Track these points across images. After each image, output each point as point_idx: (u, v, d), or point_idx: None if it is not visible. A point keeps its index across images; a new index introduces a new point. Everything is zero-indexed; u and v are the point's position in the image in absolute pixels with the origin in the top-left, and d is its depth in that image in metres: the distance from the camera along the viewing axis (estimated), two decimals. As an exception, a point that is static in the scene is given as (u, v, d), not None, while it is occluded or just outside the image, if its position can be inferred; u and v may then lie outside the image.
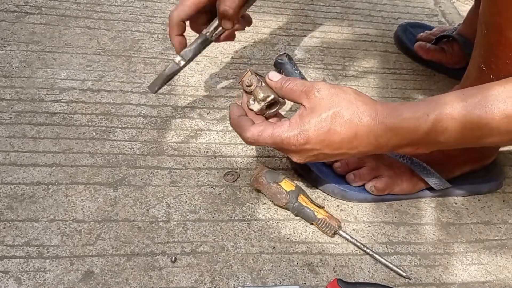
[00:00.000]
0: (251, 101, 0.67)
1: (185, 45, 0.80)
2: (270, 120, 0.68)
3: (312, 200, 0.73)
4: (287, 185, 0.72)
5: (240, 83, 0.68)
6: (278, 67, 0.97)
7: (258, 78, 0.67)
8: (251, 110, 0.67)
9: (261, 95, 0.65)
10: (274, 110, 0.67)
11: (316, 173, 0.77)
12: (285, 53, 0.99)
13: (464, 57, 0.99)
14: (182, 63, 0.79)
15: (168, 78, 0.80)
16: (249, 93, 0.67)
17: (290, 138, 0.61)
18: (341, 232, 0.71)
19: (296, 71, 0.96)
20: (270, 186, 0.72)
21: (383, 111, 0.59)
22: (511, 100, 0.55)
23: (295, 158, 0.64)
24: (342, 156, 0.63)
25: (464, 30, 1.01)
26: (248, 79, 0.67)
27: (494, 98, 0.56)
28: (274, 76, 0.66)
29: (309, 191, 0.77)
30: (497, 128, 0.56)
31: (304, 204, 0.71)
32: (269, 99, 0.65)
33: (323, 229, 0.71)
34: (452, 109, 0.57)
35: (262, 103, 0.66)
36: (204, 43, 0.80)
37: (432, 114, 0.58)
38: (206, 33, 0.80)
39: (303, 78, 0.95)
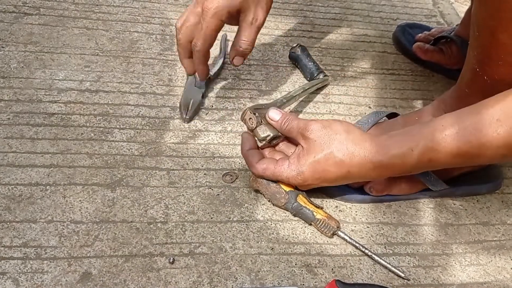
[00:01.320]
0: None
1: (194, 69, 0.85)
2: (277, 148, 0.75)
3: (311, 200, 0.72)
4: (286, 185, 0.72)
5: (243, 121, 0.74)
6: (293, 59, 1.02)
7: (257, 115, 0.73)
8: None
9: (260, 136, 0.72)
10: (277, 141, 0.75)
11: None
12: (298, 44, 1.02)
13: (462, 58, 0.98)
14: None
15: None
16: (251, 130, 0.74)
17: (289, 179, 0.69)
18: (339, 232, 0.71)
19: (310, 63, 0.99)
20: (269, 186, 0.72)
21: (372, 150, 0.65)
22: (476, 133, 0.58)
23: (299, 187, 0.72)
24: (338, 184, 0.71)
25: (462, 31, 1.01)
26: (248, 119, 0.73)
27: (472, 127, 0.59)
28: (274, 116, 0.72)
29: (307, 192, 0.77)
30: (477, 156, 0.60)
31: (303, 204, 0.71)
32: (268, 138, 0.72)
33: (322, 229, 0.71)
34: (433, 143, 0.61)
35: (263, 142, 0.73)
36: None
37: (416, 149, 0.62)
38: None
39: (318, 68, 0.99)
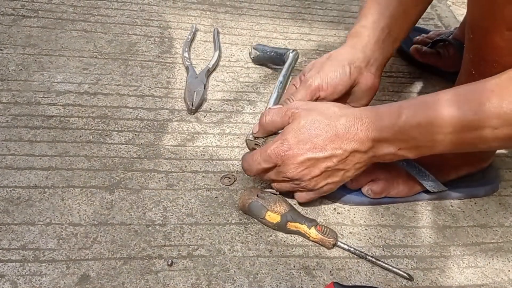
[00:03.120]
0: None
1: None
2: None
3: (302, 219, 0.70)
4: (272, 217, 0.70)
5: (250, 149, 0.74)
6: (259, 62, 1.02)
7: (262, 140, 0.72)
8: None
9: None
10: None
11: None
12: (251, 47, 1.02)
13: (459, 61, 0.98)
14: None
15: None
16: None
17: (274, 149, 0.66)
18: (339, 244, 0.70)
19: (272, 52, 0.99)
20: (256, 218, 0.72)
21: (360, 110, 0.64)
22: (468, 103, 0.57)
23: (289, 171, 0.67)
24: (332, 161, 0.65)
25: (460, 34, 1.02)
26: (255, 145, 0.72)
27: (456, 97, 0.58)
28: (254, 129, 0.72)
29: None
30: (475, 127, 0.57)
31: (294, 229, 0.70)
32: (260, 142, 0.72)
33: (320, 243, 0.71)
34: (424, 105, 0.60)
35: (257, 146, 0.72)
36: None
37: (405, 109, 0.61)
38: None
39: (281, 50, 0.98)
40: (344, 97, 0.79)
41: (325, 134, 0.64)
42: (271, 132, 0.71)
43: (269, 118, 0.69)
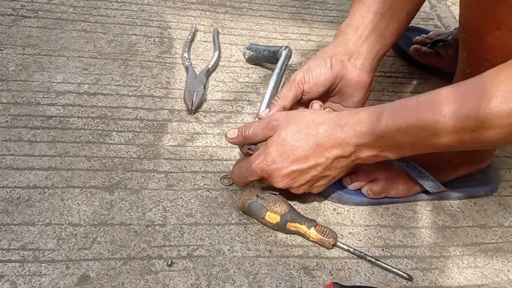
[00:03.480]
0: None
1: None
2: None
3: (302, 219, 0.70)
4: (272, 217, 0.70)
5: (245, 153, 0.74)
6: (253, 61, 1.02)
7: (249, 147, 0.72)
8: None
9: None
10: None
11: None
12: (244, 48, 1.01)
13: (459, 61, 0.99)
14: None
15: None
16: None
17: (258, 164, 0.66)
18: (339, 244, 0.70)
19: (265, 51, 0.98)
20: (256, 219, 0.72)
21: (339, 116, 0.64)
22: (449, 103, 0.55)
23: (276, 183, 0.68)
24: (316, 170, 0.66)
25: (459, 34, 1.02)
26: (244, 151, 0.73)
27: (439, 98, 0.57)
28: (231, 134, 0.71)
29: (304, 194, 0.77)
30: (445, 129, 0.56)
31: (294, 229, 0.71)
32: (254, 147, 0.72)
33: (320, 244, 0.71)
34: (404, 109, 0.59)
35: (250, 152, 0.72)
36: None
37: (385, 114, 0.60)
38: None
39: (274, 48, 0.97)
40: (333, 95, 0.79)
41: (306, 145, 0.64)
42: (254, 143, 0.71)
43: (251, 131, 0.69)
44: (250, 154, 0.71)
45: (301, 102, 0.77)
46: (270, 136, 0.67)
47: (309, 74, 0.74)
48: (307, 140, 0.64)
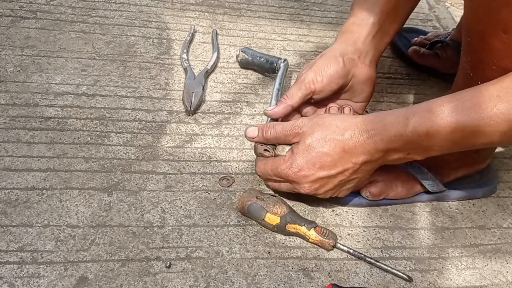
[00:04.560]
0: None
1: None
2: None
3: (302, 221, 0.70)
4: (271, 219, 0.70)
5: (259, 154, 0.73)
6: (244, 65, 1.01)
7: (270, 146, 0.72)
8: None
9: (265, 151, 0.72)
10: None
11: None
12: (239, 50, 1.00)
13: (457, 62, 0.98)
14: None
15: None
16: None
17: (285, 170, 0.67)
18: (339, 245, 0.70)
19: (262, 58, 0.97)
20: (255, 220, 0.72)
21: (364, 121, 0.63)
22: (475, 108, 0.57)
23: (302, 190, 0.68)
24: (344, 174, 0.66)
25: (458, 35, 1.02)
26: (264, 151, 0.72)
27: (471, 102, 0.57)
28: (251, 133, 0.71)
29: (304, 196, 0.77)
30: (477, 132, 0.58)
31: (294, 231, 0.70)
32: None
33: (319, 245, 0.71)
34: (431, 113, 0.59)
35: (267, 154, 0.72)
36: None
37: (412, 118, 0.60)
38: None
39: (273, 59, 0.96)
40: (343, 93, 0.80)
41: (333, 151, 0.64)
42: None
43: (274, 134, 0.70)
44: (264, 155, 0.71)
45: (310, 101, 0.78)
46: (294, 143, 0.68)
47: (322, 74, 0.75)
48: (334, 146, 0.64)
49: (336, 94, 0.80)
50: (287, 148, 0.70)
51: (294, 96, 0.75)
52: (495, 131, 0.57)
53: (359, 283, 0.67)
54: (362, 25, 0.78)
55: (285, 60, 0.95)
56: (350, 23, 0.79)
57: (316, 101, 0.79)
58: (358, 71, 0.78)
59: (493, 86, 0.57)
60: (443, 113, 0.58)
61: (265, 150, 0.71)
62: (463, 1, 0.69)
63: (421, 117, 0.60)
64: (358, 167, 0.65)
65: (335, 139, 0.64)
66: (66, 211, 0.70)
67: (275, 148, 0.72)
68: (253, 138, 0.72)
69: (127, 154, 0.79)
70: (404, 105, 1.00)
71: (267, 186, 0.75)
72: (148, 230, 0.69)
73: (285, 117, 0.77)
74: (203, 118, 0.88)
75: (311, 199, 0.77)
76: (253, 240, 0.70)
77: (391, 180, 0.76)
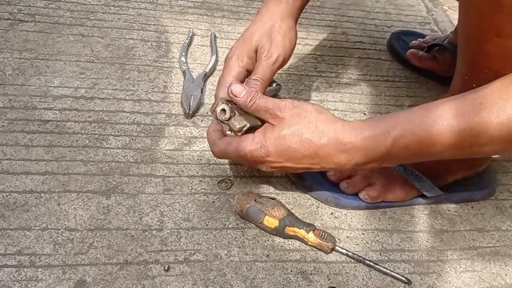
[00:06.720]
0: (227, 132, 0.70)
1: None
2: None
3: (301, 223, 0.70)
4: (270, 222, 0.70)
5: (213, 113, 0.67)
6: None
7: (231, 106, 0.66)
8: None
9: (236, 127, 0.66)
10: (253, 131, 0.67)
11: (310, 181, 0.77)
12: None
13: (455, 65, 0.99)
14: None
15: None
16: (223, 122, 0.67)
17: (252, 152, 0.64)
18: (337, 248, 0.70)
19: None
20: (254, 223, 0.72)
21: (343, 131, 0.61)
22: (458, 118, 0.55)
23: (263, 168, 0.67)
24: (307, 169, 0.65)
25: (455, 38, 1.02)
26: (220, 111, 0.66)
27: (446, 114, 0.56)
28: (237, 91, 0.66)
29: (302, 199, 0.77)
30: (449, 144, 0.57)
31: (292, 234, 0.70)
32: (245, 128, 0.66)
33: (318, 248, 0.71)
34: (412, 124, 0.58)
35: (239, 133, 0.66)
36: None
37: (392, 132, 0.59)
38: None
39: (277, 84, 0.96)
40: None
41: (306, 151, 0.62)
42: (255, 123, 0.67)
43: (254, 106, 0.65)
44: (220, 119, 0.67)
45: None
46: (268, 121, 0.65)
47: (285, 50, 0.78)
48: (307, 147, 0.62)
49: None
50: (240, 122, 0.66)
51: (266, 78, 0.76)
52: (481, 144, 0.56)
53: (358, 286, 0.67)
54: None
55: (277, 84, 0.96)
56: None
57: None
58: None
59: (476, 93, 0.56)
60: (425, 125, 0.57)
61: (222, 110, 0.66)
62: (460, 5, 0.69)
63: (402, 130, 0.58)
64: (322, 169, 0.65)
65: (310, 141, 0.62)
66: (64, 214, 0.70)
67: (234, 113, 0.66)
68: (236, 97, 0.66)
69: (125, 157, 0.79)
70: (402, 108, 1.00)
71: (216, 156, 0.72)
72: (146, 233, 0.69)
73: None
74: (201, 121, 0.88)
75: (310, 202, 0.77)
76: (251, 243, 0.70)
77: (389, 183, 0.76)
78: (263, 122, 0.67)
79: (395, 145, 0.59)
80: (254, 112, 0.66)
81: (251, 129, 0.66)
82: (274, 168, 0.66)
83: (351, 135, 0.60)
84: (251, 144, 0.64)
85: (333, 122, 0.62)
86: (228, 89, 0.66)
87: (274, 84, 0.95)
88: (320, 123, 0.62)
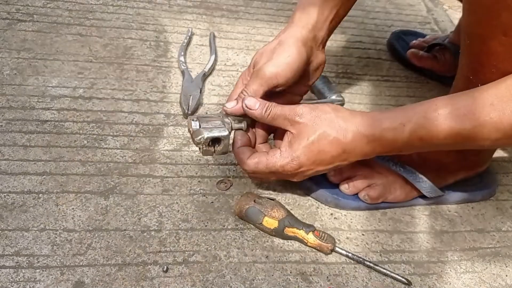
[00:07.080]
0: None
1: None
2: (263, 148, 0.72)
3: (300, 224, 0.70)
4: (269, 222, 0.70)
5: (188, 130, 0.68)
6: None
7: (196, 118, 0.67)
8: None
9: (195, 140, 0.66)
10: (221, 146, 0.68)
11: (310, 182, 0.77)
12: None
13: (455, 65, 0.98)
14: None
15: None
16: (191, 136, 0.67)
17: (284, 166, 0.65)
18: (337, 249, 0.70)
19: (329, 91, 0.95)
20: (253, 224, 0.71)
21: (363, 124, 0.63)
22: (469, 116, 0.58)
23: (295, 179, 0.69)
24: (336, 167, 0.67)
25: (456, 38, 1.02)
26: (188, 123, 0.67)
27: (465, 109, 0.58)
28: (252, 105, 0.67)
29: (302, 199, 0.77)
30: (470, 138, 0.59)
31: (292, 234, 0.70)
32: (203, 141, 0.66)
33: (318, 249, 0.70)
34: (425, 119, 0.60)
35: (200, 145, 0.67)
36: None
37: (408, 125, 0.61)
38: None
39: (330, 88, 0.95)
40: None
41: (334, 151, 0.64)
42: (219, 134, 0.67)
43: (271, 116, 0.66)
44: (207, 151, 0.67)
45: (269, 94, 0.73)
46: (288, 130, 0.65)
47: (285, 68, 0.70)
48: (336, 147, 0.64)
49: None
50: (198, 134, 0.66)
51: (257, 93, 0.69)
52: (486, 139, 0.58)
53: (358, 287, 0.67)
54: (321, 7, 0.74)
55: (339, 96, 0.95)
56: (309, 2, 0.75)
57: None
58: (314, 57, 0.75)
59: (488, 93, 0.58)
60: (438, 120, 0.59)
61: (189, 122, 0.67)
62: (461, 4, 0.69)
63: (416, 124, 0.61)
64: (348, 163, 0.67)
65: (338, 140, 0.63)
66: (63, 215, 0.69)
67: (199, 125, 0.67)
68: (251, 109, 0.66)
69: (124, 157, 0.79)
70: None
71: (250, 177, 0.73)
72: (145, 234, 0.69)
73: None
74: (200, 121, 0.88)
75: (310, 203, 0.77)
76: (251, 244, 0.70)
77: (389, 183, 0.76)
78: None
79: (411, 137, 0.61)
80: (271, 122, 0.67)
81: (217, 141, 0.67)
82: (307, 176, 0.68)
83: (371, 127, 0.63)
84: (281, 159, 0.65)
85: (352, 116, 0.64)
86: (242, 104, 0.67)
87: (335, 96, 0.94)
88: (341, 121, 0.64)
